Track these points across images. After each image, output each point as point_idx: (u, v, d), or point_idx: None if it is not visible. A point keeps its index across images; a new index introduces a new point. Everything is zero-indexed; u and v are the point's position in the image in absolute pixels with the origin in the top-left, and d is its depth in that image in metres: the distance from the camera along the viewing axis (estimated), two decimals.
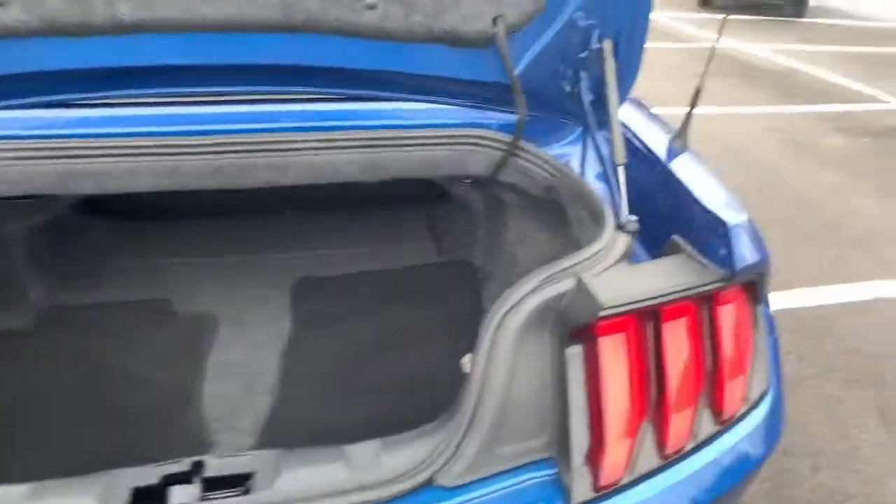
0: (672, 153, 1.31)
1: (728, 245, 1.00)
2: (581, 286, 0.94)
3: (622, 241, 1.04)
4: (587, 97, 1.29)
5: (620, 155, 1.13)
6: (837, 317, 2.76)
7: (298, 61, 1.22)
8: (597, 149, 1.22)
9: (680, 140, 1.34)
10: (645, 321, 0.97)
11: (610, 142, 1.16)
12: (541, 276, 0.96)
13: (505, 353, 0.92)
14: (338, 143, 1.27)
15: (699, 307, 1.01)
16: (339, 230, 1.98)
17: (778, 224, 3.47)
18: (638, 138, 1.34)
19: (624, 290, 0.93)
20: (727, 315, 1.05)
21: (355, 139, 1.28)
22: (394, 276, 1.84)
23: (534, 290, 0.94)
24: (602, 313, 0.89)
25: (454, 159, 1.35)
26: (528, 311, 0.94)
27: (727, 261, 1.00)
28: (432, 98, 1.37)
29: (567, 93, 1.33)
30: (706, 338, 1.04)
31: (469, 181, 1.72)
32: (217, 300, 1.73)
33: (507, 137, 1.35)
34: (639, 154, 1.31)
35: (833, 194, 3.90)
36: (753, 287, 1.11)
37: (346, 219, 2.01)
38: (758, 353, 1.10)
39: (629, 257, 1.08)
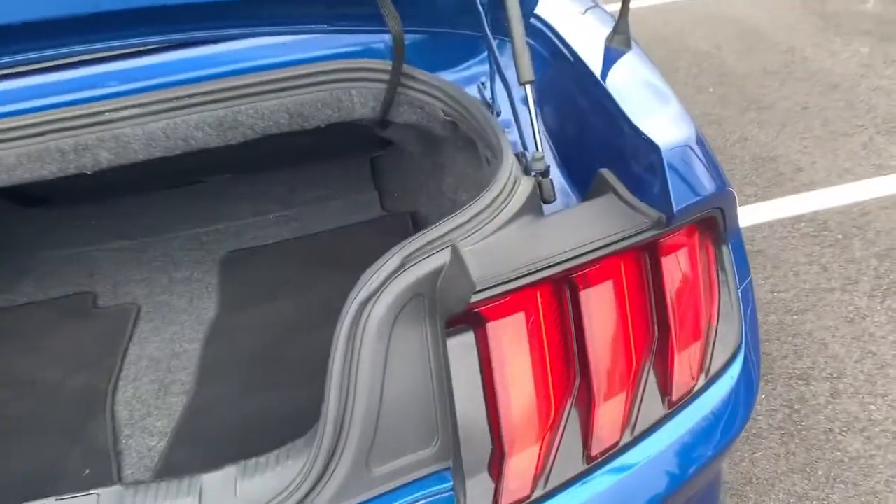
0: (609, 58, 1.01)
1: (662, 178, 0.75)
2: (455, 259, 0.71)
3: (523, 188, 0.80)
4: None
5: (526, 71, 0.85)
6: (869, 215, 2.43)
7: (116, 4, 0.96)
8: (499, 66, 0.95)
9: (619, 37, 1.04)
10: (554, 292, 0.74)
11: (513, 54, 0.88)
12: (409, 247, 0.74)
13: (368, 352, 0.72)
14: (178, 104, 1.03)
15: (630, 263, 0.77)
16: (271, 191, 1.76)
17: (799, 112, 3.06)
18: (563, 41, 1.05)
19: (515, 257, 0.70)
20: (672, 268, 0.81)
21: (200, 94, 1.03)
22: (330, 239, 1.62)
23: (399, 271, 0.72)
24: (477, 296, 0.67)
25: (330, 102, 1.10)
26: (394, 298, 0.72)
27: (662, 199, 0.75)
28: (291, 27, 1.09)
29: None
30: (647, 300, 0.80)
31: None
32: (141, 287, 1.58)
33: (388, 65, 1.08)
34: (565, 63, 1.02)
35: (861, 70, 3.42)
36: (712, 225, 0.85)
37: (283, 176, 1.79)
38: (722, 310, 0.86)
39: (540, 206, 0.83)
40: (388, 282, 0.73)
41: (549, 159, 0.99)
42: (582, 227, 0.75)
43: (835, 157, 2.77)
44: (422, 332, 0.75)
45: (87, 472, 1.16)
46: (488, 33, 0.94)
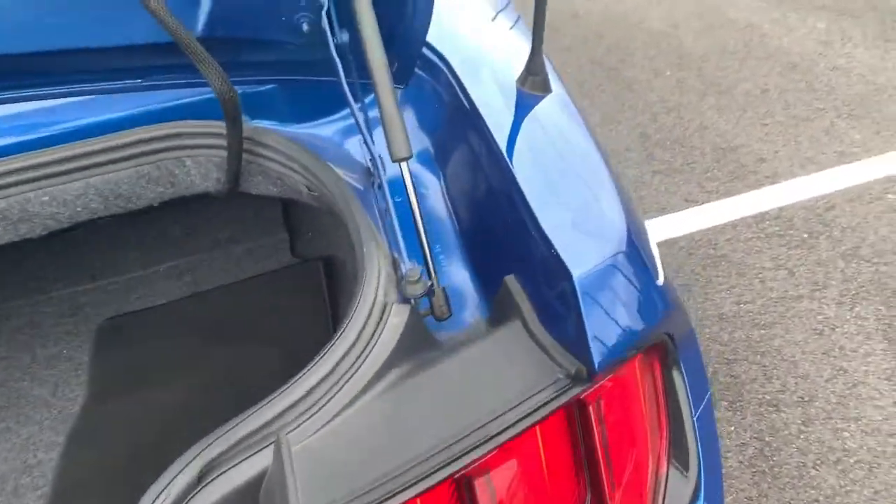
0: (520, 109, 0.81)
1: (578, 317, 0.56)
2: (280, 465, 0.52)
3: (392, 325, 0.60)
4: (340, 36, 0.77)
5: (399, 145, 0.63)
6: (834, 210, 2.30)
7: None
8: (368, 130, 0.74)
9: (533, 79, 0.83)
10: (435, 493, 0.56)
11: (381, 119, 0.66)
12: (213, 449, 0.54)
13: None
14: None
15: (545, 428, 0.59)
16: (166, 233, 1.52)
17: (759, 95, 2.91)
18: (461, 84, 0.83)
19: (370, 457, 0.51)
20: (602, 417, 0.63)
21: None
22: (227, 297, 1.40)
23: (196, 488, 0.53)
24: None
25: (158, 177, 0.87)
26: None
27: (579, 344, 0.57)
28: (93, 84, 0.84)
29: (303, 33, 0.81)
30: (569, 462, 0.62)
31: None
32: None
33: (221, 126, 0.85)
34: (464, 117, 0.82)
35: (819, 48, 3.27)
36: (659, 350, 0.67)
37: (179, 214, 1.53)
38: (673, 451, 0.69)
39: (424, 336, 0.64)
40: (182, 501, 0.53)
41: (449, 240, 0.79)
42: (475, 386, 0.56)
43: (797, 145, 2.63)
44: None
45: None
46: (347, 92, 0.73)
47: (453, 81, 0.87)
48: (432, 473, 0.50)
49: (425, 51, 0.88)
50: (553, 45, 3.59)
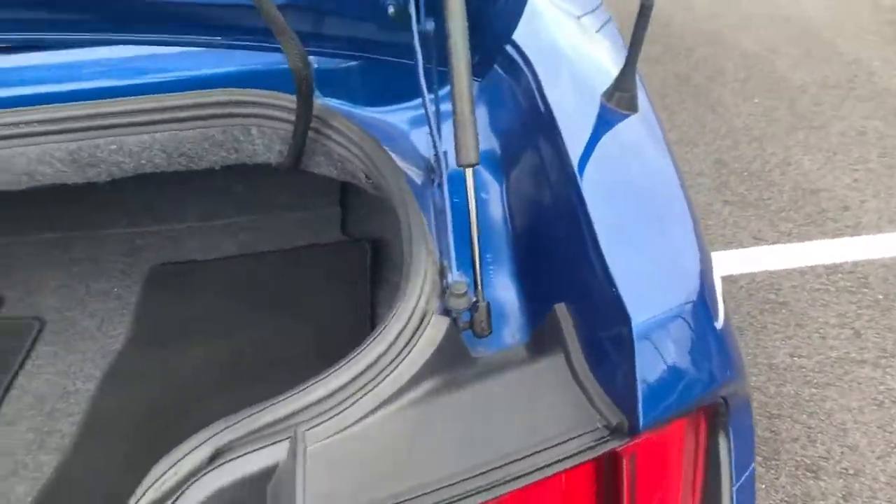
0: (601, 127, 0.75)
1: (629, 365, 0.51)
2: (292, 460, 0.50)
3: (428, 336, 0.57)
4: (425, 23, 0.73)
5: (468, 150, 0.60)
6: None
7: None
8: (438, 122, 0.70)
9: (621, 95, 0.77)
10: None
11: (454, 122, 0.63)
12: (229, 432, 0.53)
13: None
14: (7, 131, 0.81)
15: (571, 475, 0.55)
16: (230, 188, 1.54)
17: (854, 137, 2.71)
18: (542, 93, 0.78)
19: (384, 472, 0.49)
20: (637, 472, 0.57)
21: (37, 121, 0.81)
22: (275, 263, 1.41)
23: (208, 467, 0.51)
24: None
25: (222, 141, 0.86)
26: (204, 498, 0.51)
27: (626, 395, 0.52)
28: (172, 35, 0.83)
29: (387, 14, 0.76)
30: None
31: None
32: (53, 297, 1.40)
33: (291, 100, 0.83)
34: (539, 127, 0.76)
35: None
36: (709, 414, 0.62)
37: (244, 173, 1.55)
38: None
39: (461, 351, 0.61)
40: (189, 482, 0.52)
41: (502, 251, 0.75)
42: (506, 417, 0.52)
43: (888, 197, 2.44)
44: None
45: None
46: (422, 83, 0.69)
47: (533, 84, 0.82)
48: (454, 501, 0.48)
49: (507, 46, 0.83)
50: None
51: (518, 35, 0.85)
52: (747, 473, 0.68)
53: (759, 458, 1.70)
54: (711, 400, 0.58)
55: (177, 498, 0.52)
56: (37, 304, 1.39)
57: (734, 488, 0.66)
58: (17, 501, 1.06)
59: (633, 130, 0.77)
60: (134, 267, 1.43)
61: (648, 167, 0.72)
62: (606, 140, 0.75)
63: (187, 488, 0.52)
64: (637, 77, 0.80)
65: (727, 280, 2.20)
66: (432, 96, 0.75)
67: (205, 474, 0.52)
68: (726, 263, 2.26)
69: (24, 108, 0.82)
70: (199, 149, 0.87)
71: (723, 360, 0.58)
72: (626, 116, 0.77)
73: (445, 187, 0.71)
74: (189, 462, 0.53)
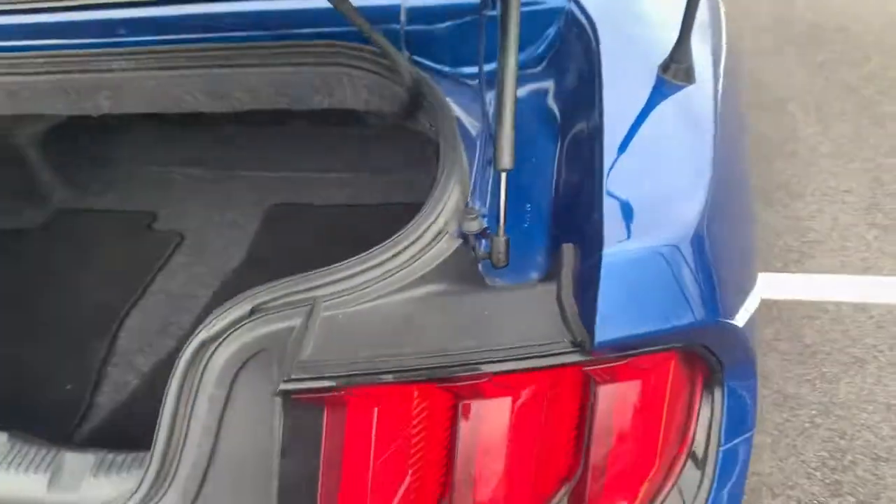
0: (655, 96, 0.77)
1: (594, 288, 0.56)
2: (306, 323, 0.61)
3: (437, 250, 0.66)
4: (496, 5, 0.80)
5: (505, 156, 0.62)
6: None
7: None
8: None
9: (677, 67, 0.78)
10: (424, 396, 0.61)
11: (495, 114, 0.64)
12: (263, 295, 0.66)
13: (205, 399, 0.66)
14: (166, 63, 1.01)
15: (542, 382, 0.61)
16: (337, 149, 1.74)
17: None
18: (598, 54, 0.79)
19: (377, 342, 0.59)
20: (612, 399, 0.62)
21: (184, 56, 1.00)
22: (371, 215, 1.58)
23: (246, 319, 0.65)
24: (293, 384, 0.57)
25: (319, 86, 0.99)
26: (238, 347, 0.65)
27: (587, 315, 0.57)
28: None
29: None
30: (565, 430, 0.63)
31: None
32: (195, 219, 1.69)
33: (374, 52, 0.93)
34: (587, 82, 0.79)
35: None
36: (697, 359, 0.64)
37: (353, 136, 1.75)
38: (685, 472, 0.65)
39: (474, 273, 0.68)
40: (233, 328, 0.65)
41: (544, 207, 0.80)
42: (494, 323, 0.60)
43: None
44: (269, 390, 0.66)
45: (69, 387, 1.29)
46: (481, 60, 0.76)
47: (592, 36, 0.85)
48: (433, 368, 0.57)
49: (574, 7, 0.87)
50: (805, 57, 3.15)
51: None
52: (740, 439, 0.67)
53: (852, 500, 1.54)
54: (686, 341, 0.60)
55: (223, 339, 0.67)
56: (181, 223, 1.69)
57: (721, 449, 0.66)
58: (138, 372, 1.35)
59: (685, 98, 0.78)
60: (259, 203, 1.70)
61: (684, 130, 0.74)
62: (656, 105, 0.77)
63: (231, 332, 0.67)
64: (705, 46, 0.80)
65: (858, 307, 1.98)
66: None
67: (244, 323, 0.66)
68: (860, 290, 2.03)
69: (175, 45, 1.03)
70: (300, 90, 1.04)
71: (702, 307, 0.59)
72: (682, 87, 0.79)
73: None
74: (234, 313, 0.67)
